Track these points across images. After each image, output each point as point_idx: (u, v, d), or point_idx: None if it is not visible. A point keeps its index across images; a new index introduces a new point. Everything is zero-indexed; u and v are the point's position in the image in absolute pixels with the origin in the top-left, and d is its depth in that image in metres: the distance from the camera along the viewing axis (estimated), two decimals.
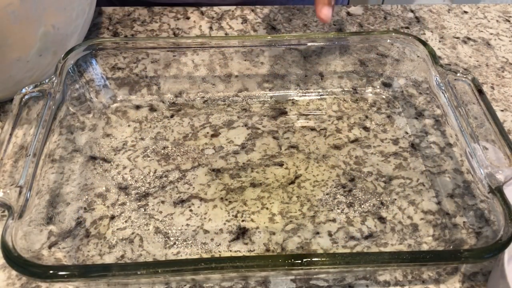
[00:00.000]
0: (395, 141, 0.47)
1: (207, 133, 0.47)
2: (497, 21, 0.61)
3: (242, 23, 0.59)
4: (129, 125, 0.48)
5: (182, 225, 0.40)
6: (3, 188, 0.35)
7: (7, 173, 0.37)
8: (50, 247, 0.39)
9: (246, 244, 0.39)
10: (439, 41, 0.58)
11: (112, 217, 0.41)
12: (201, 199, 0.42)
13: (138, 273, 0.32)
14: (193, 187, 0.43)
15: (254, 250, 0.39)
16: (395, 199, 0.42)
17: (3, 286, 0.37)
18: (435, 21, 0.61)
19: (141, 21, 0.59)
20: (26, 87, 0.41)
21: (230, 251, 0.39)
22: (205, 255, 0.38)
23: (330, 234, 0.40)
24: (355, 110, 0.50)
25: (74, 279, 0.32)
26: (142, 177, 0.43)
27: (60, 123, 0.45)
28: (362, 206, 0.42)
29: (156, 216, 0.41)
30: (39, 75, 0.46)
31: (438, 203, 0.42)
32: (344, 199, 0.42)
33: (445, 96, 0.43)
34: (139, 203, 0.42)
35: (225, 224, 0.40)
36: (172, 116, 0.49)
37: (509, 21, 0.61)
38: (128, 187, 0.43)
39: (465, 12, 0.62)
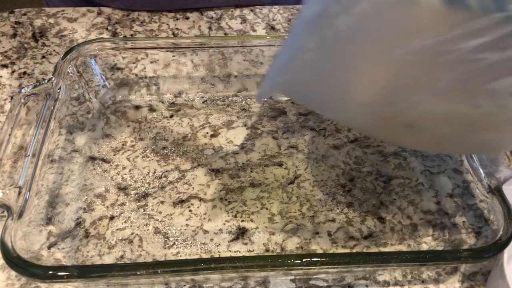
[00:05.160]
0: None
1: (207, 133, 0.47)
2: None
3: (241, 23, 0.59)
4: (128, 125, 0.48)
5: (182, 225, 0.40)
6: (2, 189, 0.35)
7: (6, 173, 0.37)
8: (49, 247, 0.39)
9: (246, 244, 0.39)
10: None
11: (112, 218, 0.41)
12: (200, 199, 0.42)
13: (138, 273, 0.32)
14: (193, 187, 0.43)
15: (253, 250, 0.39)
16: (395, 199, 0.42)
17: (3, 286, 0.37)
18: None
19: (140, 21, 0.59)
20: (26, 87, 0.41)
21: (230, 251, 0.39)
22: (204, 255, 0.38)
23: (329, 234, 0.40)
24: None
25: (74, 279, 0.32)
26: (141, 177, 0.43)
27: (59, 123, 0.45)
28: (362, 206, 0.42)
29: (155, 217, 0.41)
30: None
31: (438, 203, 0.42)
32: (343, 199, 0.42)
33: None
34: (139, 204, 0.42)
35: (224, 224, 0.40)
36: (171, 116, 0.49)
37: None
38: (128, 188, 0.43)
39: None
